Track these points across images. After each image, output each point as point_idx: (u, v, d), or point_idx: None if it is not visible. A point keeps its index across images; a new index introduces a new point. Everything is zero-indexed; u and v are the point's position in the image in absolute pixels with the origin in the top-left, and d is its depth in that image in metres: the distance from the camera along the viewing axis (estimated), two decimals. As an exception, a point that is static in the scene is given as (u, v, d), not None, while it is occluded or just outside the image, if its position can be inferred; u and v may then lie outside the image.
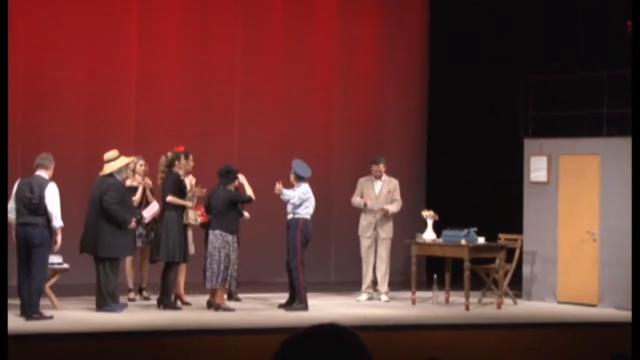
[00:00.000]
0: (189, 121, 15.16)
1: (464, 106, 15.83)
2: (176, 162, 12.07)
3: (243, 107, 15.56)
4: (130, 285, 12.70)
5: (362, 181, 13.48)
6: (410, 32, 16.41)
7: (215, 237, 11.78)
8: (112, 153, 11.74)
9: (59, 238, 10.96)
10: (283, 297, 12.44)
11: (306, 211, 12.18)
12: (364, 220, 13.35)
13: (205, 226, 12.13)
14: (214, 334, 10.28)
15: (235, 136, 15.49)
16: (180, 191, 11.97)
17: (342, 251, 15.66)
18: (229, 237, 11.80)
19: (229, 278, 11.77)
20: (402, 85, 16.32)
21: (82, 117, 14.58)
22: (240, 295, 12.80)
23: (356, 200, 13.38)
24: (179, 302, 12.18)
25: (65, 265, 11.93)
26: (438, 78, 16.26)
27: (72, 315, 11.35)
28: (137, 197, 12.34)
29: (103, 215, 11.49)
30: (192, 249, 12.33)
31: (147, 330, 10.46)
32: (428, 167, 16.45)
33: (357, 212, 13.62)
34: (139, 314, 11.56)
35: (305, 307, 12.00)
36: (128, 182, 12.52)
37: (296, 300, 12.06)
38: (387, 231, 13.24)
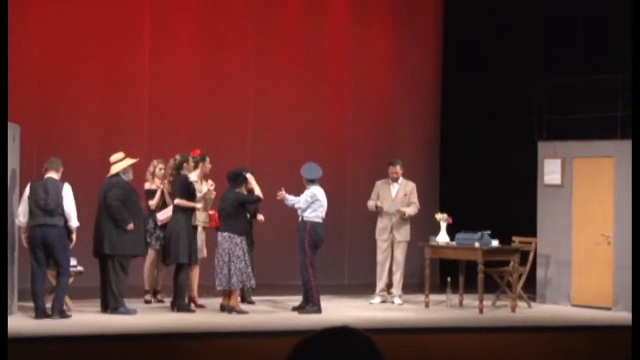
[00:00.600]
0: (202, 123, 15.19)
1: (477, 109, 15.80)
2: (184, 165, 12.06)
3: (256, 109, 15.57)
4: (147, 287, 12.73)
5: (379, 184, 13.46)
6: (423, 35, 16.39)
7: (224, 239, 11.79)
8: (118, 155, 11.87)
9: (73, 236, 11.21)
10: (297, 299, 12.44)
11: (314, 214, 12.14)
12: (380, 224, 13.33)
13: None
14: (227, 337, 10.28)
15: (248, 138, 15.50)
16: (189, 193, 11.97)
17: (355, 254, 15.66)
18: (238, 239, 11.80)
19: (242, 279, 11.76)
20: (415, 88, 16.30)
21: (96, 120, 14.63)
22: (254, 298, 12.81)
23: (369, 203, 13.37)
24: (192, 305, 12.19)
25: (80, 268, 11.97)
26: (451, 81, 16.24)
27: (85, 318, 11.38)
28: (155, 201, 12.36)
29: (107, 213, 11.56)
30: (204, 251, 12.33)
31: (160, 332, 10.47)
32: (442, 170, 16.43)
33: (371, 214, 13.61)
34: (152, 317, 11.57)
35: (318, 310, 12.00)
36: (147, 185, 12.57)
37: (309, 303, 12.05)
38: (403, 234, 13.21)
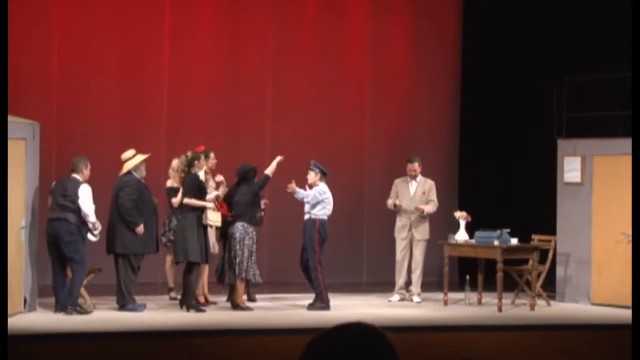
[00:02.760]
0: (220, 121, 15.21)
1: (496, 107, 15.76)
2: (195, 163, 11.97)
3: (274, 107, 15.57)
4: (171, 284, 12.74)
5: (397, 182, 13.43)
6: (442, 33, 16.34)
7: (237, 229, 11.81)
8: (129, 152, 11.90)
9: (96, 232, 11.36)
10: (306, 297, 12.45)
11: (323, 212, 12.18)
12: (399, 222, 13.31)
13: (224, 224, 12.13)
14: (243, 335, 10.29)
15: (266, 137, 15.51)
16: (199, 192, 11.92)
17: (374, 252, 15.64)
18: (250, 229, 11.85)
19: (248, 270, 11.77)
20: (435, 86, 16.26)
21: (115, 118, 14.69)
22: (264, 295, 12.83)
23: (389, 202, 13.36)
24: (203, 302, 12.19)
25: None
26: (471, 79, 16.20)
27: (100, 315, 11.44)
28: (177, 199, 12.35)
29: (119, 213, 11.58)
30: (216, 248, 12.30)
31: (177, 330, 10.50)
32: (460, 168, 16.39)
33: (389, 212, 13.59)
34: (171, 314, 11.60)
35: (327, 307, 12.03)
36: (169, 183, 12.56)
37: (317, 300, 12.06)
38: (422, 233, 13.18)
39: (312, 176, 12.28)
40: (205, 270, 12.31)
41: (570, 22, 15.13)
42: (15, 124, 11.35)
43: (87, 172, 11.48)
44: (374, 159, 15.92)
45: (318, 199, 12.11)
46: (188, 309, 11.73)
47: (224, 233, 12.11)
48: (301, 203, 12.30)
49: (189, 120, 15.04)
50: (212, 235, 12.21)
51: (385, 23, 16.06)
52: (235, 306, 11.87)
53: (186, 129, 14.84)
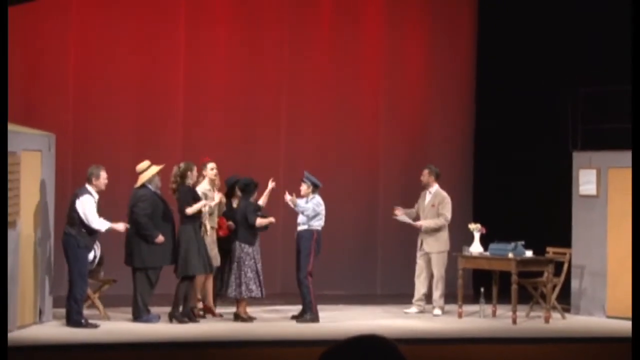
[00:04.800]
0: (235, 130, 15.24)
1: (511, 118, 15.73)
2: (188, 174, 11.85)
3: (289, 115, 15.59)
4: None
5: (422, 193, 13.40)
6: (458, 41, 16.33)
7: (235, 247, 11.87)
8: (143, 164, 11.85)
9: (117, 226, 11.32)
10: (322, 308, 12.43)
11: (319, 223, 12.19)
12: (418, 235, 13.30)
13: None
14: (251, 346, 10.30)
15: (281, 144, 15.52)
16: (194, 201, 11.81)
17: (389, 263, 15.62)
18: (249, 249, 11.85)
19: (251, 289, 11.76)
20: (449, 97, 16.25)
21: (130, 128, 14.73)
22: (278, 307, 12.83)
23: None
24: (206, 314, 12.14)
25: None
26: (485, 90, 16.17)
27: (112, 326, 11.44)
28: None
29: (134, 226, 11.59)
30: (218, 259, 12.20)
31: (182, 341, 10.51)
32: (475, 179, 16.36)
33: (404, 224, 13.55)
34: (175, 325, 11.56)
35: (316, 319, 12.01)
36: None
37: (308, 312, 12.04)
38: (431, 245, 13.12)
39: (304, 188, 12.26)
40: (210, 281, 12.27)
41: (586, 32, 15.10)
42: (31, 136, 11.39)
43: (100, 181, 11.33)
44: (388, 167, 15.90)
45: (316, 211, 12.14)
46: (171, 320, 11.66)
47: (225, 247, 12.07)
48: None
49: (205, 129, 15.07)
50: (214, 247, 12.11)
51: (400, 32, 16.05)
52: (237, 317, 11.89)
53: (202, 138, 14.87)
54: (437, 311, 13.02)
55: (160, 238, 11.59)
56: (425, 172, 13.29)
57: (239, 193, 12.19)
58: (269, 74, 15.46)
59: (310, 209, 12.10)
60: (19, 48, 13.43)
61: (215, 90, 15.21)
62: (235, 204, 12.26)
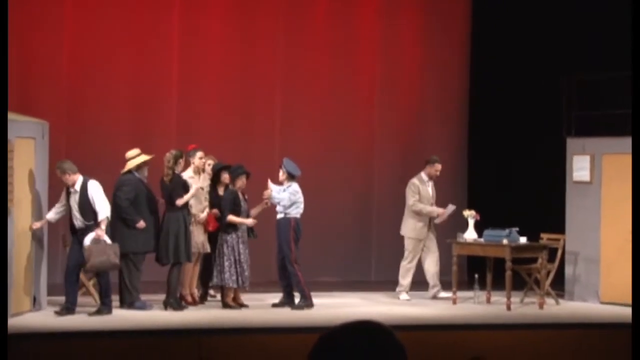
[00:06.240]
0: (230, 120, 15.22)
1: (505, 105, 15.74)
2: (180, 161, 11.90)
3: (285, 103, 15.58)
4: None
5: (417, 184, 13.41)
6: (452, 31, 16.33)
7: (218, 236, 11.88)
8: (133, 151, 11.88)
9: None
10: (318, 295, 12.45)
11: (296, 211, 12.22)
12: (421, 222, 13.42)
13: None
14: (247, 333, 10.32)
15: (276, 134, 15.51)
16: (185, 193, 11.81)
17: (383, 250, 15.63)
18: (224, 236, 11.88)
19: (226, 277, 11.77)
20: (444, 84, 16.26)
21: (124, 118, 14.69)
22: (274, 294, 12.83)
23: (427, 208, 13.38)
24: (190, 300, 12.17)
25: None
26: (480, 77, 16.18)
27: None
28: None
29: (116, 211, 11.59)
30: (207, 247, 12.16)
31: (178, 328, 10.53)
32: (469, 166, 16.38)
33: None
34: (171, 312, 11.59)
35: (310, 305, 12.04)
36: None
37: (301, 299, 12.06)
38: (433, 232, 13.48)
39: (281, 174, 12.30)
40: (190, 268, 12.25)
41: (579, 19, 15.09)
42: (24, 123, 11.37)
43: (66, 176, 11.25)
44: (383, 157, 15.91)
45: (292, 200, 12.15)
46: (166, 308, 11.69)
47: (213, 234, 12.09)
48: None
49: (199, 120, 15.04)
50: (201, 233, 12.13)
51: (395, 21, 16.04)
52: (225, 305, 11.89)
53: (196, 128, 14.84)
54: (444, 293, 13.23)
55: (142, 223, 11.61)
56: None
57: (224, 180, 12.18)
58: (264, 64, 15.43)
59: (286, 198, 12.11)
60: (13, 35, 13.37)
61: (210, 80, 15.18)
62: (221, 191, 12.24)
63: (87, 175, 11.39)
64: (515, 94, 15.68)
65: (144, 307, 11.58)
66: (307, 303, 12.03)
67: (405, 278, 13.28)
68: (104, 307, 11.24)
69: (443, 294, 13.25)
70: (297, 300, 12.19)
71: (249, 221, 12.01)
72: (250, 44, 15.33)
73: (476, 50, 16.30)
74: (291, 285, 12.16)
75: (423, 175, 13.43)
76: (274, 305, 12.11)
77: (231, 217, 11.90)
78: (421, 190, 13.34)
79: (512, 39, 15.63)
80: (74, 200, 11.19)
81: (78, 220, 11.17)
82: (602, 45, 14.68)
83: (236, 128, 15.20)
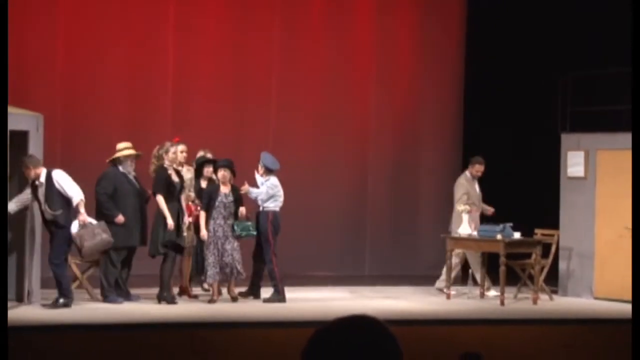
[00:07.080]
0: (225, 114, 15.21)
1: (500, 101, 15.75)
2: (164, 155, 11.82)
3: (280, 93, 15.57)
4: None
5: (465, 184, 13.43)
6: (447, 27, 16.34)
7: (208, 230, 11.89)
8: (123, 144, 11.80)
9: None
10: (310, 289, 12.46)
11: (275, 204, 12.21)
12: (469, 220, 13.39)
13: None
14: (241, 327, 10.33)
15: (270, 128, 15.50)
16: (168, 190, 11.72)
17: (377, 244, 15.64)
18: (208, 233, 11.83)
19: (210, 274, 11.76)
20: (439, 81, 16.26)
21: (119, 111, 14.65)
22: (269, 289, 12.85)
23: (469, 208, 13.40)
24: (184, 295, 12.16)
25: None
26: (475, 73, 16.18)
27: (101, 306, 11.45)
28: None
29: (96, 206, 11.57)
30: (194, 241, 12.16)
31: (171, 322, 10.52)
32: (464, 162, 16.37)
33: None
34: (165, 306, 11.58)
35: (283, 299, 12.06)
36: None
37: (274, 292, 12.08)
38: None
39: (259, 168, 12.31)
40: (186, 262, 12.23)
41: (574, 16, 15.10)
42: (19, 116, 11.35)
43: (26, 172, 11.16)
44: (378, 152, 15.92)
45: (270, 194, 12.14)
46: (159, 301, 11.68)
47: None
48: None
49: (194, 113, 15.03)
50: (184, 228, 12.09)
51: (391, 17, 16.05)
52: (211, 300, 11.89)
53: (191, 122, 14.82)
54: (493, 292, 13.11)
55: (120, 218, 11.51)
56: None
57: (207, 174, 12.16)
58: (259, 55, 15.42)
59: (264, 192, 12.11)
60: (8, 27, 13.34)
61: (205, 74, 15.15)
62: (204, 184, 12.22)
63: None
64: (510, 90, 15.68)
65: (115, 301, 11.50)
66: (279, 297, 12.04)
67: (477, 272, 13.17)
68: (63, 299, 11.20)
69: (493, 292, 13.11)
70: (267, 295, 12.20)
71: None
72: (245, 38, 15.31)
73: (471, 44, 16.30)
74: (260, 276, 12.18)
75: (467, 173, 13.49)
76: (266, 301, 12.11)
77: (201, 215, 11.90)
78: (470, 189, 13.36)
79: (508, 36, 15.63)
80: (41, 193, 11.06)
81: (47, 213, 11.06)
82: (597, 42, 14.69)
83: (231, 122, 15.19)
